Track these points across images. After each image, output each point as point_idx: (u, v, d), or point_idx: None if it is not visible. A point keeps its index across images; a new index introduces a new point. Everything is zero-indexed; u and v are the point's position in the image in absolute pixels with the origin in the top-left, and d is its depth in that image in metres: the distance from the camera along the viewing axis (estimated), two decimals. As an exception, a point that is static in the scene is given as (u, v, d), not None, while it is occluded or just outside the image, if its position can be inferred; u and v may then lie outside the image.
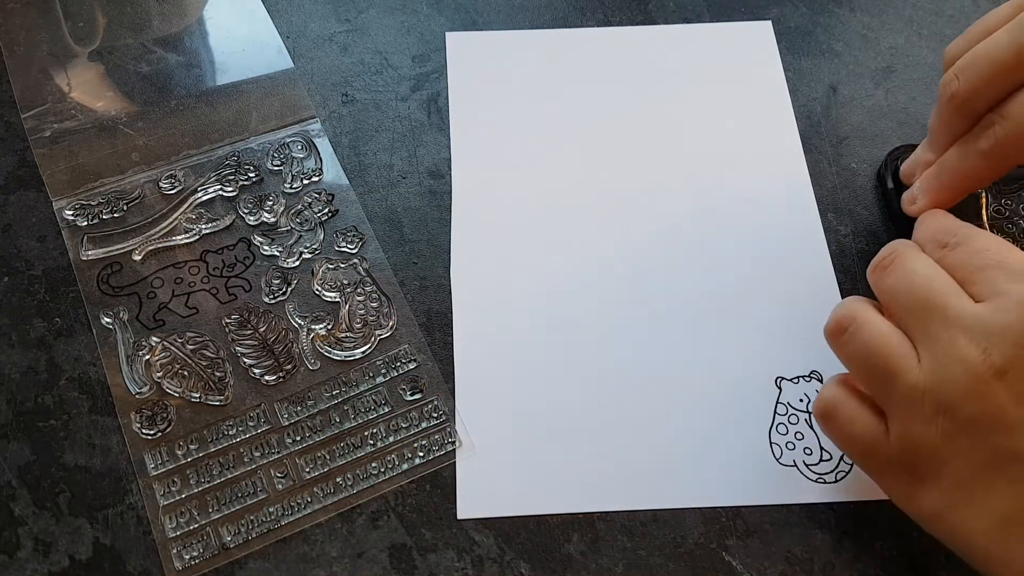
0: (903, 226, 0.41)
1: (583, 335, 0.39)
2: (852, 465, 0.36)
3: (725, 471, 0.35)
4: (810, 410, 0.36)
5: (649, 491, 0.35)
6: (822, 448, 0.36)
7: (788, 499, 0.35)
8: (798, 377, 0.37)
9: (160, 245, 0.40)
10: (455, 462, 0.36)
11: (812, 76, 0.46)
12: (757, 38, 0.47)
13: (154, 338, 0.37)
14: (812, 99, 0.46)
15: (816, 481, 0.35)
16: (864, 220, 0.42)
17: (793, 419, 0.36)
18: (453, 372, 0.37)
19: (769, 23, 0.48)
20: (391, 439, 0.36)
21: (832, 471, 0.35)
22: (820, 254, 0.41)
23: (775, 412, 0.37)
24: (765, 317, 0.39)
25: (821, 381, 0.37)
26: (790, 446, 0.36)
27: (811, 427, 0.36)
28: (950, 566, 0.34)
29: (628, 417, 0.37)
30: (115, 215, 0.40)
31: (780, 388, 0.37)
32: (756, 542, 0.34)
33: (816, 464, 0.36)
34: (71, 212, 0.40)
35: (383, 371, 0.37)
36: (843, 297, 0.39)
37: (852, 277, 0.40)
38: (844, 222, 0.42)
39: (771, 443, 0.36)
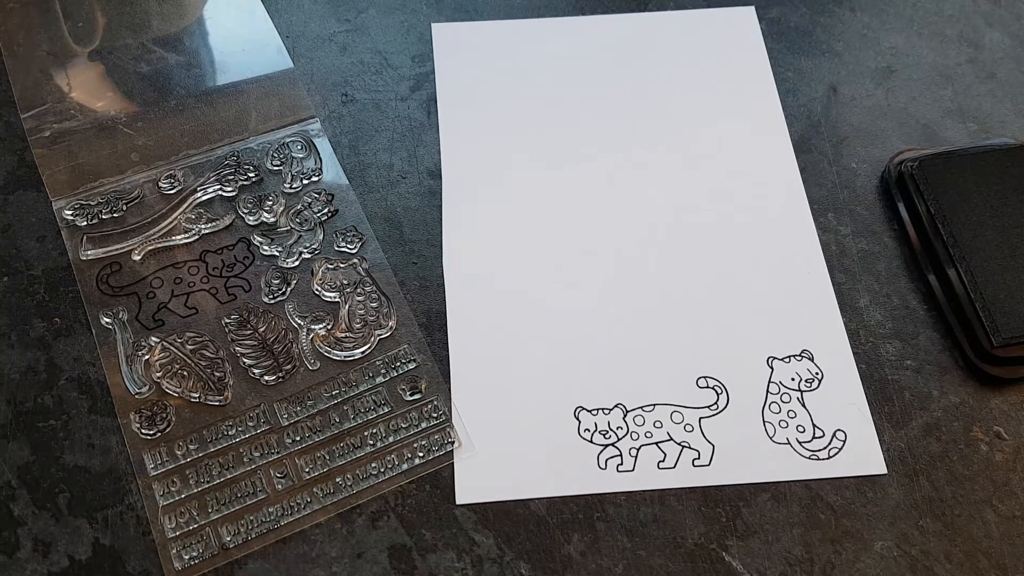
0: (904, 229, 0.41)
1: (576, 325, 0.39)
2: (844, 442, 0.36)
3: (720, 451, 0.36)
4: (802, 388, 0.37)
5: (647, 475, 0.35)
6: (814, 426, 0.37)
7: (783, 476, 0.35)
8: (789, 356, 0.38)
9: (159, 245, 0.40)
10: (454, 462, 0.36)
11: (812, 76, 0.46)
12: (741, 23, 0.48)
13: (153, 338, 0.37)
14: (812, 99, 0.46)
15: (810, 458, 0.36)
16: (864, 220, 0.42)
17: (785, 398, 0.37)
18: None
19: (752, 8, 0.48)
20: (391, 439, 0.36)
21: (825, 447, 0.36)
22: (808, 233, 0.41)
23: (767, 391, 0.37)
24: (755, 298, 0.40)
25: (812, 360, 0.38)
26: (783, 424, 0.37)
27: (803, 405, 0.37)
28: (951, 566, 0.34)
29: (626, 401, 0.37)
30: (114, 215, 0.40)
31: (772, 368, 0.38)
32: (756, 542, 0.34)
33: (809, 441, 0.36)
34: (70, 212, 0.40)
35: (383, 371, 0.37)
36: (833, 282, 0.40)
37: (852, 277, 0.40)
38: (844, 222, 0.42)
39: (764, 422, 0.37)
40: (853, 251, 0.41)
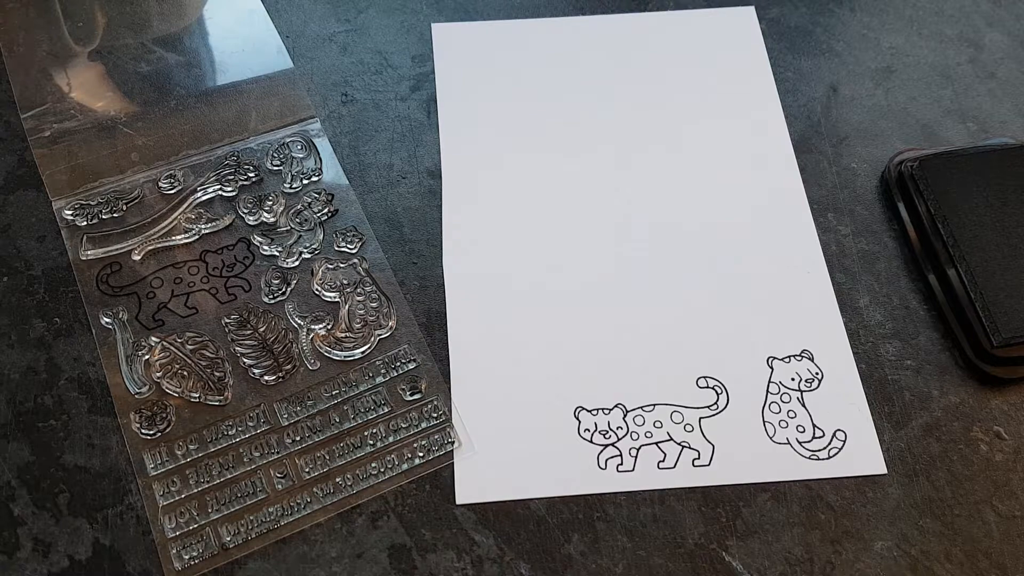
0: (904, 229, 0.41)
1: (576, 324, 0.39)
2: (844, 442, 0.36)
3: (720, 451, 0.36)
4: (802, 388, 0.37)
5: (647, 475, 0.35)
6: (814, 426, 0.37)
7: (783, 476, 0.35)
8: (789, 356, 0.38)
9: (159, 245, 0.40)
10: (454, 462, 0.36)
11: (812, 76, 0.46)
12: (741, 23, 0.48)
13: (153, 338, 0.37)
14: (812, 99, 0.46)
15: (809, 458, 0.36)
16: (864, 220, 0.42)
17: (785, 398, 0.37)
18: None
19: (752, 9, 0.48)
20: (391, 439, 0.36)
21: (825, 447, 0.36)
22: (808, 233, 0.41)
23: (767, 391, 0.37)
24: (755, 298, 0.40)
25: (812, 360, 0.38)
26: (783, 424, 0.37)
27: (803, 405, 0.37)
28: (951, 566, 0.34)
29: (626, 401, 0.37)
30: (114, 215, 0.40)
31: (772, 368, 0.38)
32: (756, 542, 0.34)
33: (809, 441, 0.36)
34: (70, 212, 0.40)
35: (383, 371, 0.37)
36: (833, 282, 0.40)
37: (852, 277, 0.40)
38: (844, 222, 0.42)
39: (764, 422, 0.37)
40: (853, 251, 0.41)
